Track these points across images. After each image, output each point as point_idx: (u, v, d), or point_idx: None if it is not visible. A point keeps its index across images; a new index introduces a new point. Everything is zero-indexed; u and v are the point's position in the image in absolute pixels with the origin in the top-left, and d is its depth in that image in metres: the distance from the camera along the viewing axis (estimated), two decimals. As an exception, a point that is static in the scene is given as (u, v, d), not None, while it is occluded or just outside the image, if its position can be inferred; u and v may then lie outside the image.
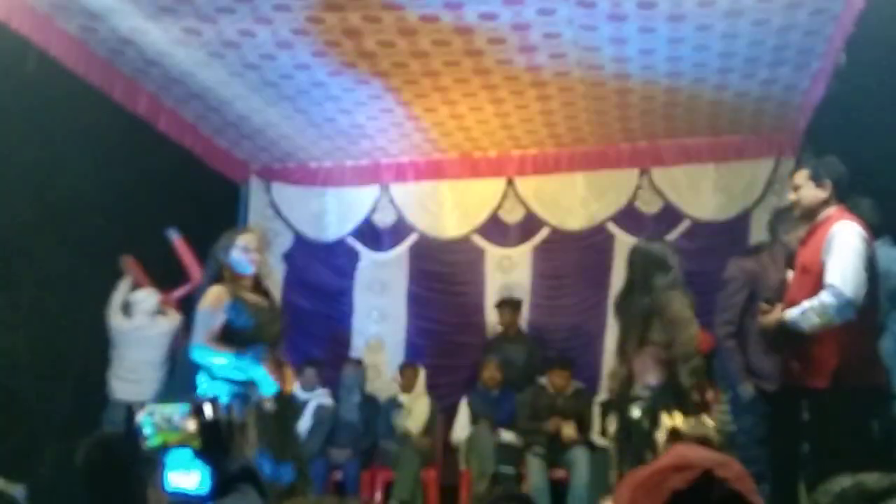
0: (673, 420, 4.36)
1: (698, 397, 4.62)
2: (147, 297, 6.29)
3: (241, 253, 4.32)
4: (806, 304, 3.80)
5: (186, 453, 1.78)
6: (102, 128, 5.67)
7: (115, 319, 6.19)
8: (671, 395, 4.50)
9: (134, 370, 6.12)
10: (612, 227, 7.29)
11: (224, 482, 1.75)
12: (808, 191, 4.00)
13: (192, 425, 1.73)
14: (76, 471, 2.51)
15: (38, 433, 5.52)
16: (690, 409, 4.44)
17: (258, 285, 4.44)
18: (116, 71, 5.73)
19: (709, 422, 4.60)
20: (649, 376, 4.60)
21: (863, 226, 3.89)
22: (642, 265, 4.80)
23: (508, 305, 7.15)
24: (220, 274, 4.35)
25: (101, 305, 6.14)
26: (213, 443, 1.75)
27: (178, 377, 6.09)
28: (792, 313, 3.87)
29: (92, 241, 5.82)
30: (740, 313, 4.78)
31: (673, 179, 7.23)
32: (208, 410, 1.74)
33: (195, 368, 4.24)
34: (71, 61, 5.33)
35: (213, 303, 4.22)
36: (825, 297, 3.74)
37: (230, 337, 4.18)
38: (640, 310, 4.70)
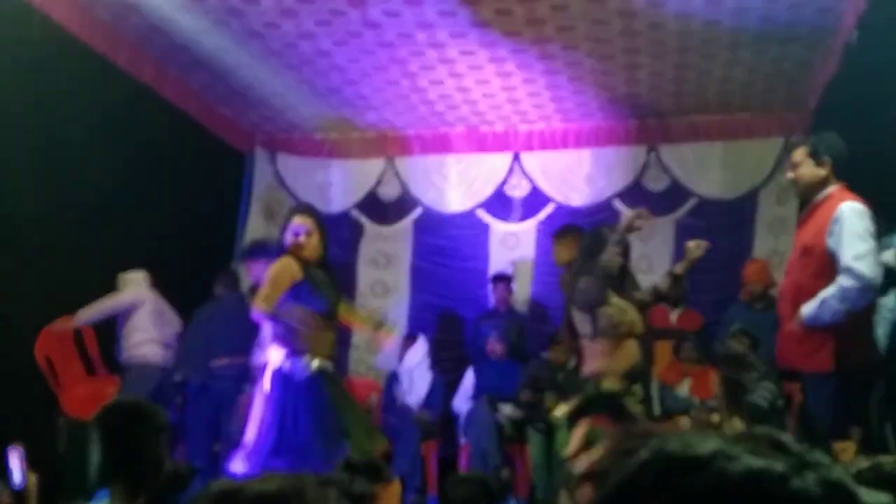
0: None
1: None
2: None
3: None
4: (823, 293, 3.66)
5: None
6: (107, 95, 5.62)
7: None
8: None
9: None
10: (618, 204, 7.23)
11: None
12: (807, 168, 3.90)
13: None
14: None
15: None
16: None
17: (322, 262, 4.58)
18: (121, 37, 5.68)
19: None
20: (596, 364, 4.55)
21: (865, 203, 3.79)
22: (589, 247, 4.74)
23: (501, 281, 7.13)
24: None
25: (106, 273, 6.10)
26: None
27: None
28: (810, 308, 3.70)
29: (97, 209, 5.78)
30: None
31: (681, 157, 7.16)
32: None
33: None
34: (75, 27, 5.29)
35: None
36: (845, 282, 3.60)
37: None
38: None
